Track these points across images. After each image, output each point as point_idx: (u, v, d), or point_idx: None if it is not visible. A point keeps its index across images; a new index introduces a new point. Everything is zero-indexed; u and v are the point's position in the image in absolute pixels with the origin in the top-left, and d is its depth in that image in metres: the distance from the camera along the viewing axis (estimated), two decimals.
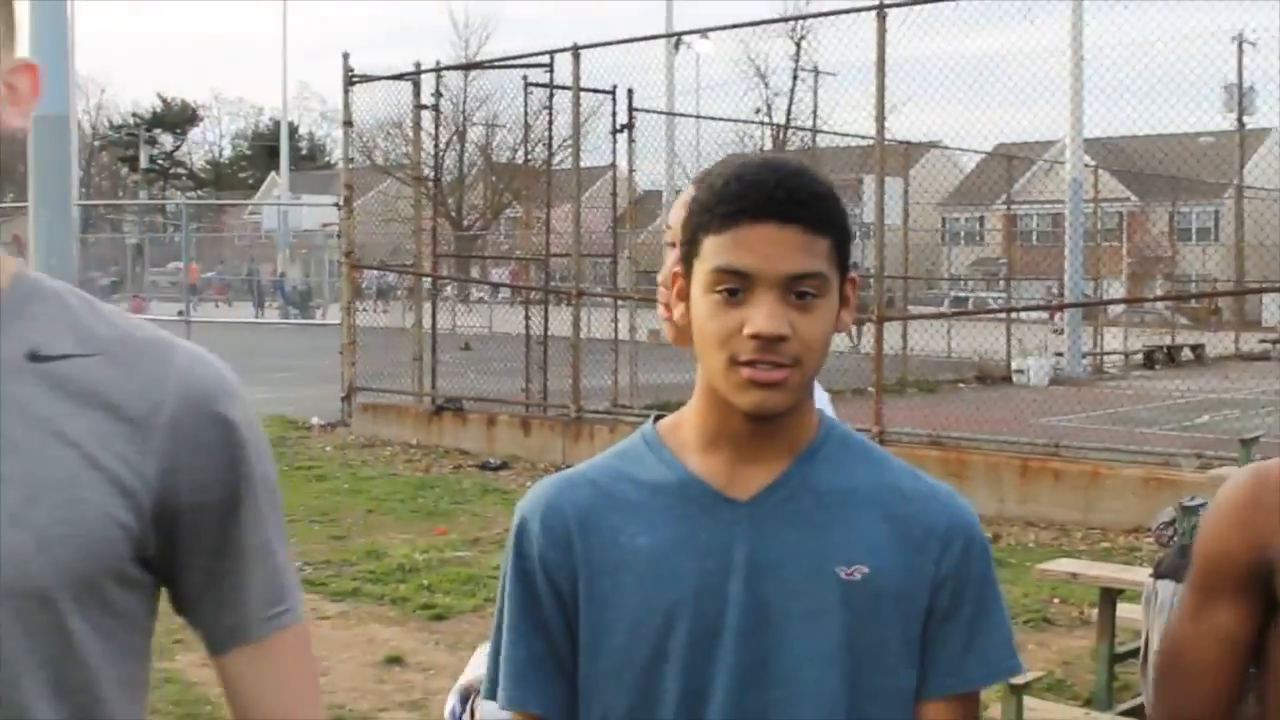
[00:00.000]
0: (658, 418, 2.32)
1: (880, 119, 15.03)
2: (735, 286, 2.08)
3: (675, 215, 2.43)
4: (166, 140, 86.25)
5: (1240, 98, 49.93)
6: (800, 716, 2.16)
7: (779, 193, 2.09)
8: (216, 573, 1.76)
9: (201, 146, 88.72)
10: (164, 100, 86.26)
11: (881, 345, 14.94)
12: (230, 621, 1.79)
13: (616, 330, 19.79)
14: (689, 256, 2.15)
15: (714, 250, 2.10)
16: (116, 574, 1.66)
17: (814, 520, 2.19)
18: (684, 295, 2.18)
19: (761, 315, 2.06)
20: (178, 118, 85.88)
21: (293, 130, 67.04)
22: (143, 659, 1.78)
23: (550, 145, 19.21)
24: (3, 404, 1.61)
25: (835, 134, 27.56)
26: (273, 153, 71.88)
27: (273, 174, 73.83)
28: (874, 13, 14.35)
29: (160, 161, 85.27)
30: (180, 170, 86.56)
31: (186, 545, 1.71)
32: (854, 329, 21.04)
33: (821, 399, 2.54)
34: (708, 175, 2.12)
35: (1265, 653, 2.32)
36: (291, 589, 1.85)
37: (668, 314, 2.34)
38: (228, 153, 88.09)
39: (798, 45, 32.89)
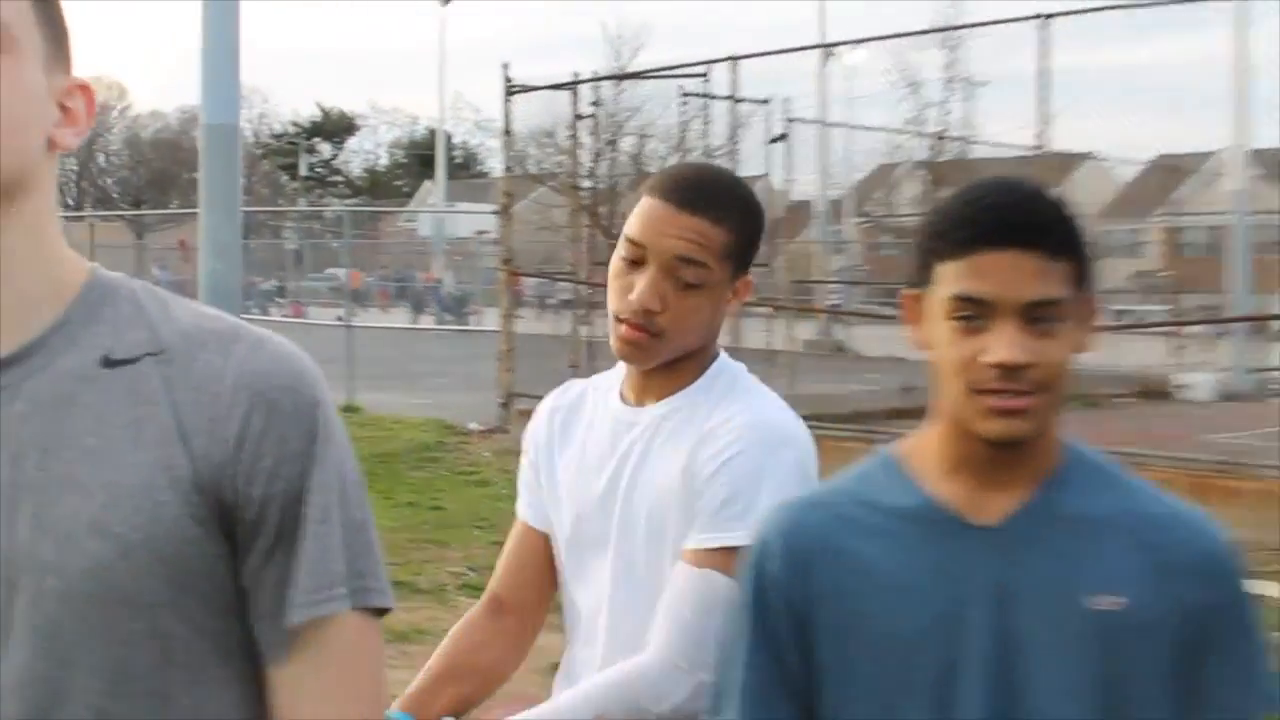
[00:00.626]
0: (895, 440, 2.30)
1: (1040, 130, 14.86)
2: (974, 314, 2.08)
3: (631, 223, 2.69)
4: (325, 149, 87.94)
5: None
6: None
7: (1016, 217, 2.07)
8: (265, 573, 1.71)
9: (358, 155, 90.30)
10: (323, 110, 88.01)
11: None
12: (269, 635, 1.73)
13: (770, 340, 19.77)
14: (922, 280, 2.14)
15: (952, 277, 2.10)
16: (207, 573, 1.66)
17: (1063, 548, 2.17)
18: (917, 318, 2.18)
19: (1002, 344, 2.06)
20: (336, 127, 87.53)
21: (448, 139, 67.85)
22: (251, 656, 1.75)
23: (705, 155, 19.24)
24: (80, 412, 1.62)
25: (989, 144, 27.23)
26: (427, 161, 72.93)
27: (427, 182, 74.93)
28: (1034, 22, 14.17)
29: (319, 169, 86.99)
30: (338, 178, 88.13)
31: (245, 541, 1.69)
32: None
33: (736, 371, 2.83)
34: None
35: None
36: (346, 577, 1.74)
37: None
38: (384, 161, 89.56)
39: (952, 54, 32.67)
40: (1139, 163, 33.91)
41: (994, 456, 2.16)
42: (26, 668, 1.59)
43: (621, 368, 2.80)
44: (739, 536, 2.46)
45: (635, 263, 2.65)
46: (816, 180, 31.35)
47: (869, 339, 28.98)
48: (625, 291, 2.63)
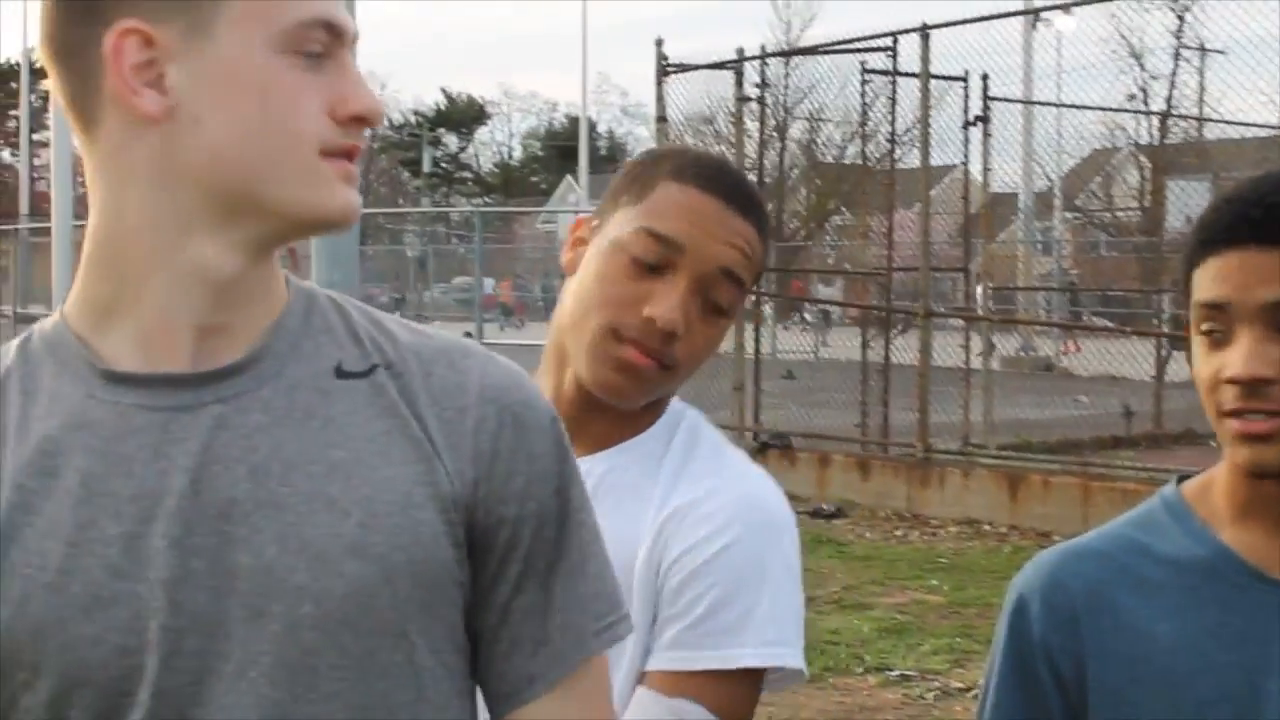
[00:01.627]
0: (1182, 479, 2.29)
1: None
2: (1216, 325, 2.09)
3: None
4: (451, 141, 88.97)
5: None
6: None
7: (1256, 211, 2.06)
8: (518, 601, 1.75)
9: (489, 148, 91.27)
10: (449, 97, 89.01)
11: None
12: (527, 669, 1.76)
13: (969, 356, 19.68)
14: (1186, 294, 2.16)
15: (1198, 284, 2.11)
16: (454, 602, 1.71)
17: None
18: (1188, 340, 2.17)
19: (1238, 356, 2.05)
20: (464, 115, 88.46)
21: (591, 128, 68.26)
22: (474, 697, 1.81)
23: (893, 141, 19.19)
24: (322, 424, 1.66)
25: (1229, 123, 26.84)
26: (568, 154, 73.52)
27: (568, 177, 75.50)
28: None
29: (444, 165, 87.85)
30: (466, 174, 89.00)
31: (495, 566, 1.74)
32: None
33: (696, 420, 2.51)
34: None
35: None
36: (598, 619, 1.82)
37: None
38: (518, 154, 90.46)
39: (1180, 19, 32.17)
40: None
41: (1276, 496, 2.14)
42: (272, 704, 1.60)
43: None
44: (731, 656, 2.25)
45: (658, 268, 2.25)
46: (1020, 169, 31.06)
47: (1081, 356, 28.69)
48: (634, 302, 2.24)
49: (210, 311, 1.63)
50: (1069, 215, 40.40)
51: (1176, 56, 33.91)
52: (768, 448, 17.83)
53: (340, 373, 1.70)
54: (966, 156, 19.64)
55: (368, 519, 1.62)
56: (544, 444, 1.75)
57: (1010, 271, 30.69)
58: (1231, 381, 2.04)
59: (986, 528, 14.14)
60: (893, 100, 18.43)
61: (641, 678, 2.26)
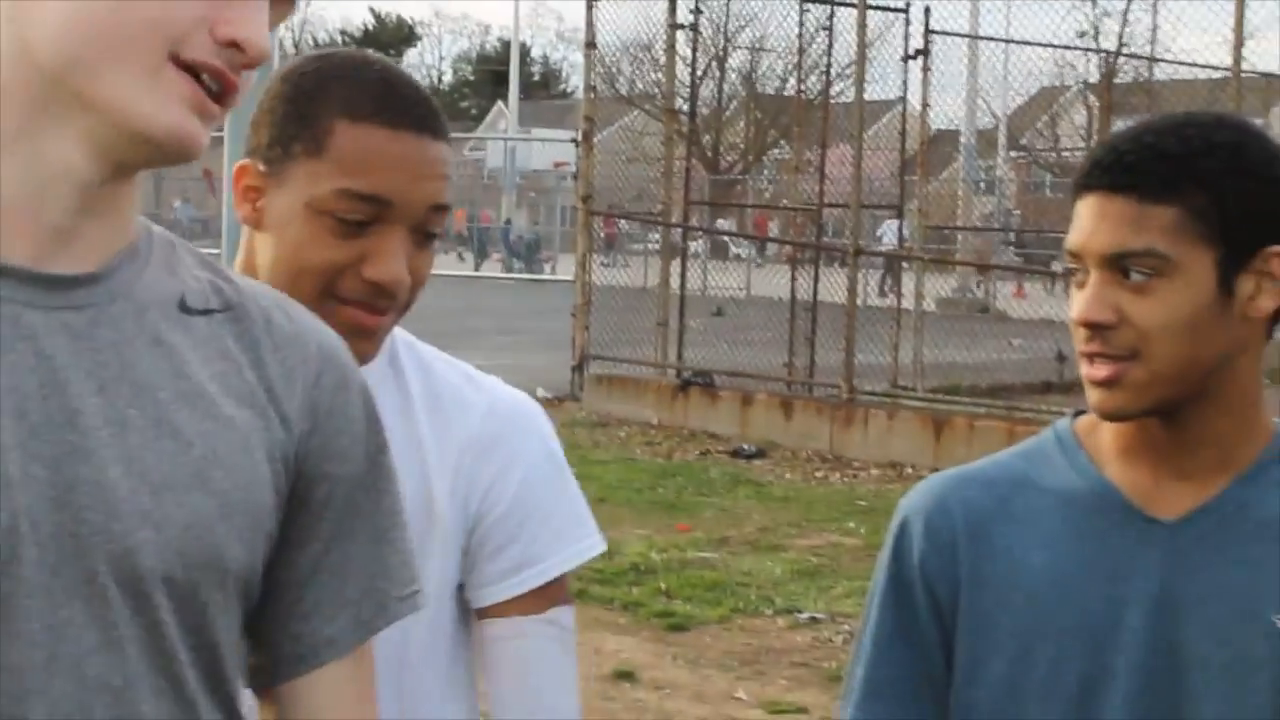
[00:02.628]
0: (1077, 414, 2.33)
1: (1238, 45, 14.77)
2: (1077, 267, 2.15)
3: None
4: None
5: None
6: None
7: (1109, 156, 2.13)
8: (326, 560, 1.75)
9: (419, 70, 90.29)
10: (377, 17, 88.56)
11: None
12: (326, 631, 1.76)
13: (899, 297, 19.78)
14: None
15: (1072, 235, 2.17)
16: (262, 551, 1.68)
17: (1251, 554, 2.19)
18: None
19: (1081, 299, 2.11)
20: (392, 37, 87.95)
21: (524, 52, 68.03)
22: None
23: (828, 74, 19.24)
24: (168, 352, 1.63)
25: (1178, 64, 26.95)
26: (500, 79, 73.11)
27: (499, 104, 75.12)
28: None
29: None
30: None
31: (305, 524, 1.73)
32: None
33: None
34: None
35: None
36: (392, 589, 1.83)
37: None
38: (448, 79, 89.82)
39: None
40: None
41: (1171, 439, 2.19)
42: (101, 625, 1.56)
43: None
44: (569, 557, 2.35)
45: (365, 224, 2.11)
46: (963, 106, 31.09)
47: (1018, 299, 28.79)
48: (349, 264, 2.11)
49: (64, 213, 1.59)
50: (1013, 154, 40.59)
51: None
52: (689, 385, 17.93)
53: (184, 307, 1.68)
54: (906, 91, 19.72)
55: (209, 453, 1.60)
56: (364, 408, 1.78)
57: (950, 211, 30.75)
58: (1082, 324, 2.10)
59: (909, 471, 14.10)
60: (830, 31, 18.45)
61: (491, 610, 2.29)
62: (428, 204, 2.12)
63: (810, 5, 18.68)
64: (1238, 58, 15.04)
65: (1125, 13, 34.72)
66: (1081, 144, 38.23)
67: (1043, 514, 2.27)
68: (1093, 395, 2.14)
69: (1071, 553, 2.23)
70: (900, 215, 22.33)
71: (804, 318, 18.12)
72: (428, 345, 2.36)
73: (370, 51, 2.21)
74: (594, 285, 19.59)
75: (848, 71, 19.34)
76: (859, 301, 17.31)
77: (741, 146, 44.03)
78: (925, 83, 19.78)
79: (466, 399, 2.28)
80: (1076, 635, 2.19)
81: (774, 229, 36.94)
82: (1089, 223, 2.12)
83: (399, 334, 2.29)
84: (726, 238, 35.54)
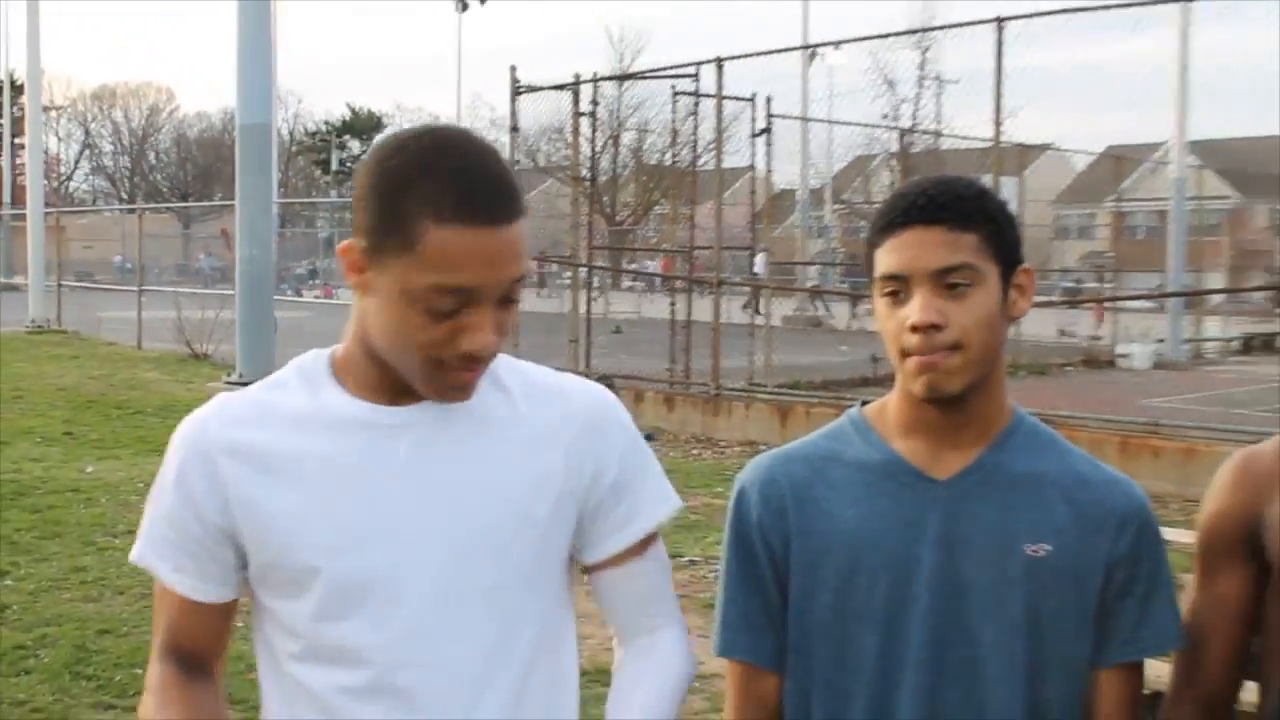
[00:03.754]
0: (864, 403, 2.35)
1: (997, 123, 14.91)
2: (897, 289, 2.14)
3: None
4: (354, 145, 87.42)
5: None
6: (988, 676, 2.19)
7: (921, 199, 2.13)
8: None
9: None
10: (352, 110, 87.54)
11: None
12: None
13: (754, 315, 19.84)
14: (869, 272, 2.21)
15: (880, 260, 2.16)
16: None
17: (1005, 501, 2.22)
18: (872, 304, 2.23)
19: (916, 309, 2.10)
20: (364, 125, 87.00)
21: None
22: None
23: (695, 148, 19.27)
24: None
25: (957, 137, 27.17)
26: None
27: None
28: (992, 25, 14.21)
29: (349, 164, 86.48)
30: None
31: None
32: None
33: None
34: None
35: (1263, 616, 2.29)
36: None
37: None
38: None
39: (923, 55, 32.56)
40: (1092, 153, 33.85)
41: (944, 417, 2.21)
42: None
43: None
44: (664, 510, 2.19)
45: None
46: (798, 171, 31.21)
47: (844, 315, 28.93)
48: (447, 342, 1.89)
49: None
50: (836, 207, 40.76)
51: (919, 84, 34.27)
52: None
53: None
54: (754, 160, 19.76)
55: None
56: None
57: (789, 250, 30.88)
58: (913, 329, 2.09)
59: (763, 447, 13.78)
60: (695, 115, 18.47)
61: (611, 560, 2.14)
62: (507, 282, 1.87)
63: (680, 96, 18.68)
64: (997, 133, 15.16)
65: (917, 99, 34.93)
66: (883, 202, 38.51)
67: (849, 480, 2.27)
68: (920, 382, 2.13)
69: (874, 508, 2.24)
70: (763, 252, 22.37)
71: (681, 333, 18.08)
72: (512, 357, 2.14)
73: (445, 131, 1.92)
74: (523, 311, 19.44)
75: (710, 146, 19.26)
76: (722, 319, 17.29)
77: (632, 204, 43.93)
78: (768, 154, 19.84)
79: (563, 388, 2.10)
80: (883, 570, 2.20)
81: (655, 267, 36.99)
82: (913, 249, 2.12)
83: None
84: (623, 273, 35.54)
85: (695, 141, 19.00)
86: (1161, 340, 27.02)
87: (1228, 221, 44.75)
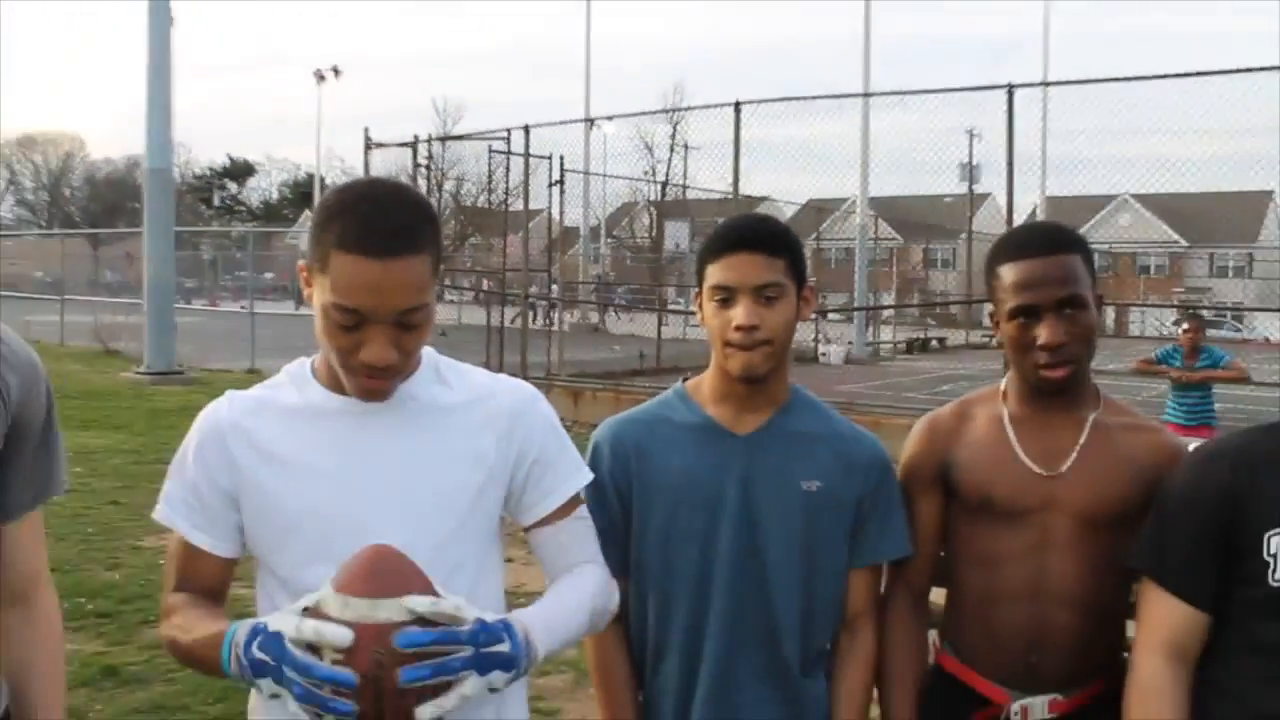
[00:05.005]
0: (686, 379, 2.40)
1: (736, 180, 15.16)
2: (725, 296, 2.18)
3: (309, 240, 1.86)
4: (232, 186, 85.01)
5: (970, 172, 50.67)
6: (778, 577, 2.24)
7: (747, 232, 2.19)
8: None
9: (257, 191, 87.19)
10: (231, 159, 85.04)
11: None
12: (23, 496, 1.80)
13: (550, 322, 19.81)
14: (700, 279, 2.24)
15: (712, 273, 2.20)
16: None
17: (788, 451, 2.28)
18: (699, 305, 2.25)
19: (739, 313, 2.16)
20: (240, 171, 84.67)
21: (322, 182, 66.15)
22: None
23: (507, 194, 19.17)
24: None
25: (700, 190, 27.61)
26: (307, 197, 71.01)
27: (306, 211, 73.03)
28: (732, 107, 14.44)
29: (227, 201, 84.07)
30: (241, 207, 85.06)
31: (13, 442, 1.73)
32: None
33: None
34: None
35: (952, 531, 2.38)
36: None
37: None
38: (276, 196, 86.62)
39: (674, 127, 33.05)
40: (798, 203, 34.65)
41: (746, 390, 2.26)
42: None
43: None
44: (584, 474, 2.09)
45: (357, 324, 1.80)
46: (581, 213, 31.31)
47: (616, 322, 29.07)
48: (351, 350, 1.81)
49: None
50: (609, 240, 40.98)
51: (671, 149, 34.70)
52: None
53: None
54: (550, 204, 19.74)
55: None
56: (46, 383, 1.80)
57: (575, 272, 30.91)
58: (738, 329, 2.16)
59: (565, 421, 13.98)
60: (506, 169, 18.40)
61: (542, 521, 2.03)
62: (397, 310, 1.76)
63: (493, 155, 18.61)
64: (736, 188, 15.39)
65: (669, 161, 35.47)
66: (646, 236, 38.78)
67: (675, 437, 2.30)
68: (739, 367, 2.19)
69: (694, 457, 2.27)
70: (549, 275, 22.34)
71: (495, 336, 17.99)
72: (455, 360, 2.03)
73: (373, 181, 1.84)
74: None
75: (516, 191, 19.22)
76: (530, 325, 17.24)
77: (451, 237, 43.57)
78: (561, 199, 19.84)
79: (495, 384, 2.00)
80: (702, 504, 2.24)
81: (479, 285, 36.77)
82: (740, 268, 2.16)
83: (434, 355, 1.98)
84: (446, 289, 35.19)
85: (506, 188, 18.91)
86: (850, 342, 27.81)
87: (894, 257, 46.34)
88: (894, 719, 2.35)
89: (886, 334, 33.11)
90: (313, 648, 1.60)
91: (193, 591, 1.91)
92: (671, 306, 28.73)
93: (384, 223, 1.74)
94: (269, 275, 55.21)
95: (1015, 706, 2.26)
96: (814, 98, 14.13)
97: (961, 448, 2.33)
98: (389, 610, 1.61)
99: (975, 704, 2.30)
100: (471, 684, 1.64)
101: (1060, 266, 2.17)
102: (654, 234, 38.64)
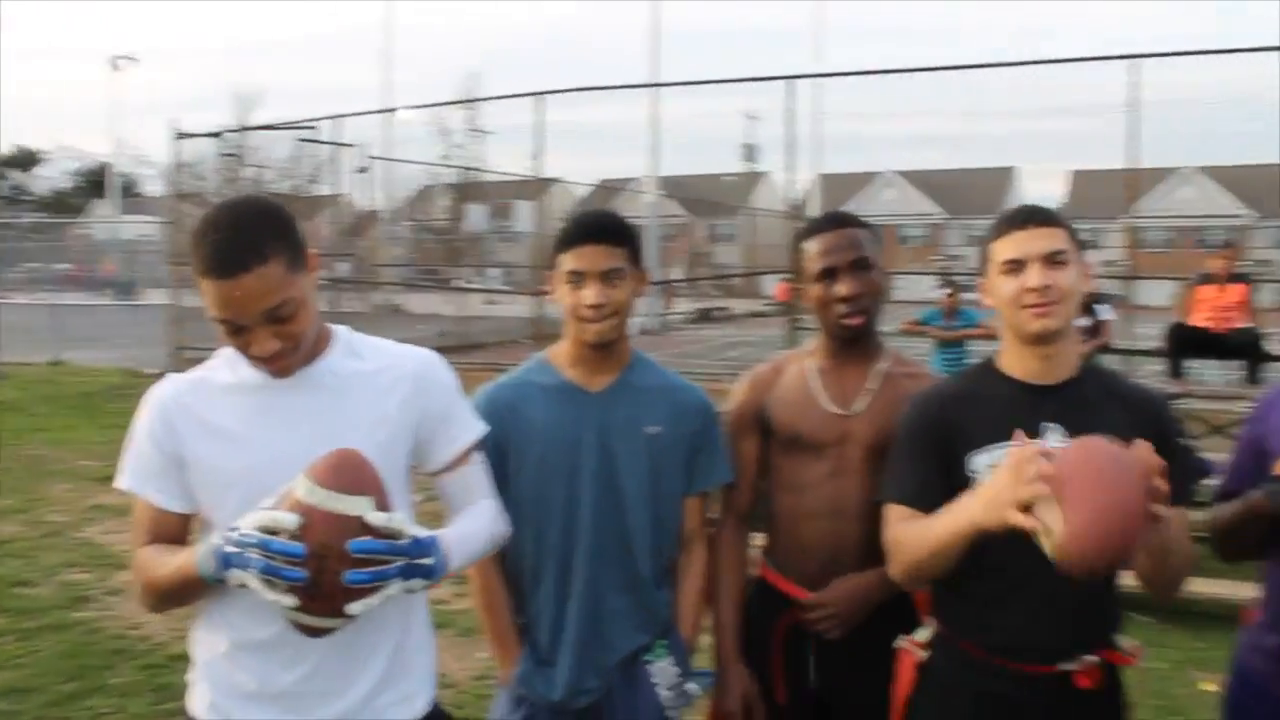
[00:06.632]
0: (546, 348, 2.60)
1: (538, 162, 15.33)
2: (578, 280, 2.42)
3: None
4: (17, 175, 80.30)
5: (750, 152, 52.02)
6: (632, 505, 2.48)
7: (595, 225, 2.41)
8: None
9: (46, 180, 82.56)
10: (18, 147, 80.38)
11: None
12: None
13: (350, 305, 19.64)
14: (554, 266, 2.44)
15: (566, 261, 2.43)
16: None
17: (634, 402, 2.52)
18: (552, 286, 2.47)
19: (590, 293, 2.40)
20: (25, 160, 80.00)
21: (112, 170, 63.13)
22: None
23: (312, 181, 18.93)
24: None
25: (495, 173, 27.60)
26: (98, 186, 67.58)
27: (93, 200, 69.62)
28: (533, 98, 14.60)
29: (13, 190, 79.38)
30: (30, 197, 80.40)
31: None
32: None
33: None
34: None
35: (771, 466, 2.65)
36: None
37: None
38: (66, 185, 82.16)
39: (472, 113, 32.96)
40: (590, 184, 34.96)
41: (596, 354, 2.49)
42: None
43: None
44: (479, 426, 2.26)
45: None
46: (382, 197, 30.87)
47: (417, 303, 28.79)
48: (245, 349, 1.98)
49: None
50: (410, 223, 40.43)
51: (468, 135, 34.51)
52: None
53: None
54: (352, 190, 19.49)
55: None
56: None
57: (376, 254, 30.42)
58: (590, 306, 2.39)
59: None
60: (314, 157, 18.13)
61: (445, 468, 2.20)
62: (260, 312, 1.90)
63: (304, 143, 18.30)
64: (539, 172, 15.50)
65: (465, 145, 35.29)
66: (444, 218, 38.51)
67: (540, 397, 2.51)
68: (591, 333, 2.41)
69: (557, 412, 2.49)
70: (360, 260, 22.02)
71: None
72: (364, 335, 2.18)
73: (220, 206, 1.94)
74: (180, 306, 18.55)
75: (317, 177, 18.93)
76: (333, 308, 16.98)
77: None
78: (366, 185, 19.62)
79: (400, 352, 2.16)
80: (567, 450, 2.47)
81: None
82: (589, 257, 2.38)
83: (348, 332, 2.15)
84: None
85: (312, 176, 18.65)
86: (645, 315, 28.25)
87: (683, 233, 47.19)
88: (721, 620, 2.63)
89: (679, 305, 33.63)
90: (272, 532, 1.80)
91: (158, 544, 2.05)
92: (469, 285, 28.68)
93: (229, 247, 1.86)
94: (64, 266, 52.55)
95: (807, 601, 2.57)
96: (610, 87, 14.39)
97: (776, 395, 2.62)
98: (345, 505, 1.80)
99: (785, 606, 2.59)
100: (395, 587, 1.84)
101: (850, 237, 2.52)
102: (453, 216, 38.35)
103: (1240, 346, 9.69)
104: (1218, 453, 2.27)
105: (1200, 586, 2.27)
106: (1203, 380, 10.39)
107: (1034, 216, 2.18)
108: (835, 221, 2.56)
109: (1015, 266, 2.16)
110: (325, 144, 17.29)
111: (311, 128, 17.57)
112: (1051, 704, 2.18)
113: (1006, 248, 2.18)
